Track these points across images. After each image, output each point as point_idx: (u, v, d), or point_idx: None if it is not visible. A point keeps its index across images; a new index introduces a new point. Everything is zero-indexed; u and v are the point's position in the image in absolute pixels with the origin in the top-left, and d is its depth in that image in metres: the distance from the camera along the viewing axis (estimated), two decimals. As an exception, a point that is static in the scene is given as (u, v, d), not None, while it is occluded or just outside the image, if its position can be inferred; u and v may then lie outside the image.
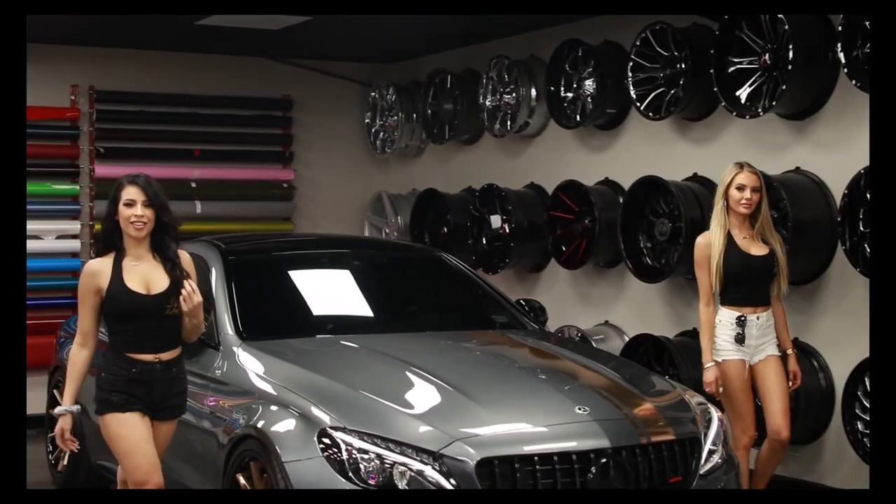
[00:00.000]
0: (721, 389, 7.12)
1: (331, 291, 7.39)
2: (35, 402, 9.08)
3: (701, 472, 5.92)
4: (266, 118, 12.42)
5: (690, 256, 8.72)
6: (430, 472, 5.42)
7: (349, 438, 5.53)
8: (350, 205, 12.67)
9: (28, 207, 10.63)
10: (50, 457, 9.08)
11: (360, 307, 7.30)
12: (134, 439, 5.74)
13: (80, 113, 11.52)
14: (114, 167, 11.52)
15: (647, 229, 9.10)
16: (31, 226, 11.01)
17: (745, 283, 7.10)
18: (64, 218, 11.49)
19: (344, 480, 5.46)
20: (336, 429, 5.59)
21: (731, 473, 6.15)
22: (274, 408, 5.94)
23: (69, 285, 10.81)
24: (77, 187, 11.49)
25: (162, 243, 5.88)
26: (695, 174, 9.04)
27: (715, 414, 6.27)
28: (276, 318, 7.07)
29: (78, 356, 5.89)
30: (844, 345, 8.04)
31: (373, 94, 12.37)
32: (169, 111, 11.92)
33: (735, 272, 7.08)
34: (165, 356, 5.84)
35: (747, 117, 8.31)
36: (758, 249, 7.15)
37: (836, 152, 8.06)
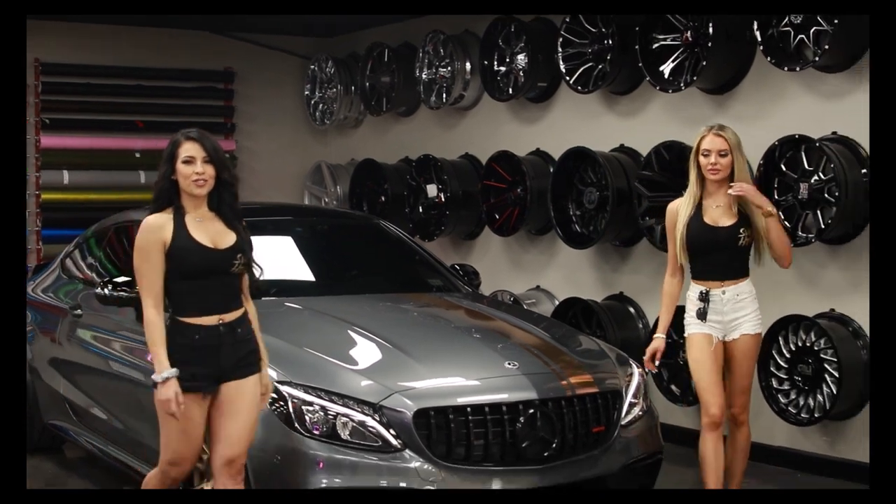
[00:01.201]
0: (656, 365, 6.78)
1: (274, 257, 7.68)
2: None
3: (622, 422, 6.36)
4: (208, 90, 12.66)
5: (617, 224, 9.20)
6: (371, 423, 5.81)
7: (295, 392, 5.91)
8: (291, 175, 12.96)
9: None
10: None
11: (302, 272, 7.64)
12: (184, 424, 5.48)
13: (27, 84, 11.58)
14: (59, 138, 11.88)
15: (576, 198, 9.50)
16: None
17: (709, 256, 6.61)
18: None
19: (290, 430, 5.83)
20: (283, 383, 5.96)
21: (651, 424, 6.59)
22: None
23: (15, 253, 10.98)
24: None
25: (223, 201, 5.58)
26: (621, 145, 9.46)
27: (636, 370, 6.71)
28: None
29: (157, 319, 5.45)
30: (761, 305, 8.44)
31: (312, 67, 12.64)
32: (113, 83, 12.15)
33: (697, 244, 6.62)
34: (229, 317, 5.53)
35: (670, 91, 8.72)
36: (727, 220, 6.61)
37: (753, 126, 8.48)
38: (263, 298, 7.19)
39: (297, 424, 5.85)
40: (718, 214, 6.63)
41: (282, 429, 5.87)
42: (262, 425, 5.86)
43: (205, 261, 5.46)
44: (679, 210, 6.72)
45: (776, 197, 8.04)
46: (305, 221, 8.34)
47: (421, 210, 11.03)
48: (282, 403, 5.91)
